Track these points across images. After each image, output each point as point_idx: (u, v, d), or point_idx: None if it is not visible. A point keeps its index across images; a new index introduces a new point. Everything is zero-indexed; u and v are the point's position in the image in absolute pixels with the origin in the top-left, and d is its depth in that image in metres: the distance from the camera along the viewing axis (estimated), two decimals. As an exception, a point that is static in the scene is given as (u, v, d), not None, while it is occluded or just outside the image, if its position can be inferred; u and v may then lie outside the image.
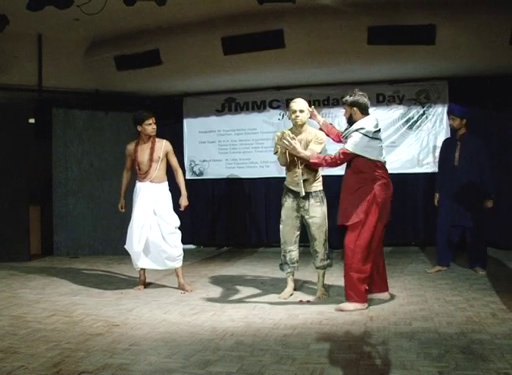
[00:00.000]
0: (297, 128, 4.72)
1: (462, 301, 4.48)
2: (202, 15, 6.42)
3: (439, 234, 5.91)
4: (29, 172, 7.46)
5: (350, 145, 4.34)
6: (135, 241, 5.13)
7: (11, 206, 7.26)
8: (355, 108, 4.41)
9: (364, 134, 4.31)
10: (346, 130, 4.55)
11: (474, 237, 5.79)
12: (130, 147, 5.28)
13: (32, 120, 8.14)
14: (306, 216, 4.76)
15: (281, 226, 4.86)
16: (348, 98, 4.45)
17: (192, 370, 3.04)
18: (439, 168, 6.19)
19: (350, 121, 4.47)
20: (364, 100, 4.43)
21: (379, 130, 4.44)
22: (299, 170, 4.61)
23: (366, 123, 4.35)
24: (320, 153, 4.66)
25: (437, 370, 2.90)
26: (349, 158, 4.39)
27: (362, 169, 4.34)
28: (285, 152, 4.61)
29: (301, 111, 4.66)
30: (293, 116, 4.68)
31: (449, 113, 5.95)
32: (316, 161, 4.46)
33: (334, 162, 4.43)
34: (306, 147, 4.65)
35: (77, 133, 7.84)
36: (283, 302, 4.66)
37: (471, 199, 5.70)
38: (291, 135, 4.48)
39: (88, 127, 7.87)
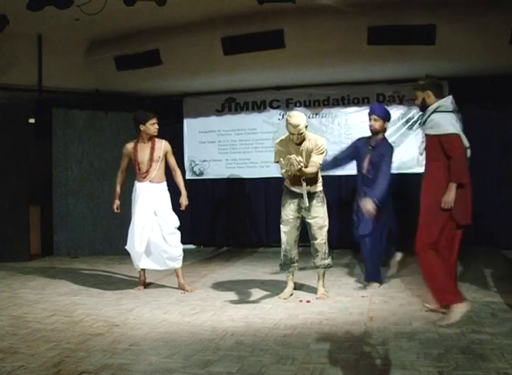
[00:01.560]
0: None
1: (462, 301, 4.47)
2: (202, 15, 6.42)
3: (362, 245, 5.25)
4: (29, 172, 7.46)
5: (447, 129, 3.82)
6: (137, 242, 5.12)
7: (11, 206, 7.26)
8: (429, 92, 3.97)
9: (446, 111, 3.85)
10: (422, 116, 4.11)
11: (369, 248, 5.15)
12: (129, 146, 5.27)
13: (32, 120, 8.14)
14: (307, 217, 4.76)
15: (281, 227, 4.86)
16: (420, 82, 4.04)
17: (192, 370, 3.04)
18: (338, 161, 5.44)
19: (423, 107, 4.04)
20: (438, 81, 4.04)
21: (459, 112, 3.94)
22: (304, 184, 4.59)
23: (441, 101, 3.93)
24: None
25: (437, 370, 2.90)
26: (458, 140, 3.83)
27: (437, 154, 3.88)
28: (290, 174, 4.52)
29: (298, 128, 4.52)
30: (292, 137, 4.59)
31: (370, 114, 5.19)
32: (463, 175, 3.84)
33: (462, 156, 3.84)
34: (308, 156, 4.63)
35: (77, 133, 7.84)
36: (283, 302, 4.66)
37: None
38: (298, 159, 4.33)
39: (88, 127, 7.87)
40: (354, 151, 5.27)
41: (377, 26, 6.05)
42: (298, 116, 4.57)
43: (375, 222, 4.99)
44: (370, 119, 5.16)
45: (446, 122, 3.82)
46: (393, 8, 6.01)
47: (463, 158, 3.84)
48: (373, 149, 5.07)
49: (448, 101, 3.93)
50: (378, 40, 6.11)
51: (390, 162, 5.02)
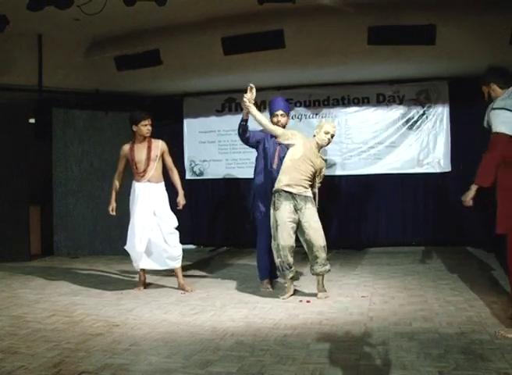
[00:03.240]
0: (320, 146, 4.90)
1: (462, 301, 4.48)
2: (202, 15, 6.42)
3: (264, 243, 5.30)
4: (29, 172, 7.46)
5: (495, 127, 3.51)
6: (137, 242, 5.12)
7: (11, 206, 7.26)
8: (493, 84, 3.66)
9: (500, 108, 3.51)
10: None
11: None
12: (126, 147, 5.28)
13: (32, 120, 8.13)
14: (302, 220, 4.69)
15: (278, 231, 4.69)
16: (482, 76, 3.76)
17: (192, 370, 3.03)
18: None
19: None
20: (501, 71, 3.68)
21: None
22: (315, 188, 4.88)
23: (500, 97, 3.59)
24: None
25: (437, 370, 2.89)
26: (502, 142, 3.50)
27: (506, 154, 3.51)
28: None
29: (332, 136, 4.89)
30: (326, 138, 4.83)
31: (275, 110, 5.23)
32: (481, 177, 3.59)
33: (492, 158, 3.54)
34: (318, 166, 4.84)
35: (77, 133, 7.84)
36: (283, 302, 4.66)
37: None
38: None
39: (88, 127, 7.87)
40: (256, 143, 5.30)
41: (377, 26, 6.05)
42: (334, 124, 5.00)
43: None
44: (276, 115, 5.18)
45: (498, 120, 3.51)
46: (393, 8, 6.01)
47: (490, 160, 3.55)
48: (280, 144, 5.05)
49: (503, 96, 3.59)
50: (378, 40, 6.10)
51: None
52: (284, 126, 5.14)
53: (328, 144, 4.92)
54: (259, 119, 4.82)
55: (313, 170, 4.77)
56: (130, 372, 3.03)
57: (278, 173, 4.89)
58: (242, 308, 4.48)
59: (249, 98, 4.81)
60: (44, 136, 7.91)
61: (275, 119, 5.17)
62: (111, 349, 3.41)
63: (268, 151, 5.23)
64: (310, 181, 4.78)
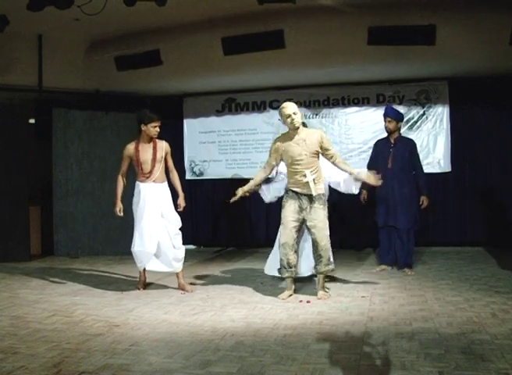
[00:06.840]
0: (294, 130, 4.68)
1: (462, 301, 4.48)
2: (202, 15, 6.43)
3: (381, 234, 6.06)
4: (29, 172, 7.46)
5: None
6: (147, 243, 5.06)
7: (11, 206, 7.26)
8: None
9: None
10: None
11: (402, 239, 5.86)
12: (131, 147, 5.23)
13: (32, 120, 8.13)
14: (307, 219, 4.71)
15: (281, 229, 4.79)
16: None
17: (192, 370, 3.04)
18: (368, 167, 5.82)
19: None
20: None
21: None
22: (308, 173, 4.64)
23: None
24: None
25: (437, 370, 2.89)
26: None
27: None
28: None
29: (295, 113, 4.60)
30: (289, 120, 4.61)
31: (385, 116, 5.92)
32: None
33: None
34: (309, 147, 4.63)
35: (77, 133, 7.84)
36: (283, 303, 4.66)
37: (404, 201, 5.79)
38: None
39: (88, 127, 7.87)
40: (377, 152, 6.09)
41: (377, 26, 6.05)
42: (290, 104, 4.74)
43: (413, 213, 5.88)
44: (385, 121, 5.94)
45: None
46: (393, 8, 6.01)
47: None
48: (394, 145, 5.90)
49: None
50: (378, 40, 6.11)
51: (417, 152, 6.00)
52: (393, 131, 5.89)
53: (297, 122, 4.60)
54: (253, 183, 4.92)
55: (311, 160, 4.65)
56: (130, 372, 3.03)
57: (393, 172, 5.73)
58: (242, 308, 4.48)
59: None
60: (44, 136, 7.90)
61: (385, 124, 5.95)
62: (111, 349, 3.41)
63: (382, 154, 5.91)
64: (317, 171, 4.70)
